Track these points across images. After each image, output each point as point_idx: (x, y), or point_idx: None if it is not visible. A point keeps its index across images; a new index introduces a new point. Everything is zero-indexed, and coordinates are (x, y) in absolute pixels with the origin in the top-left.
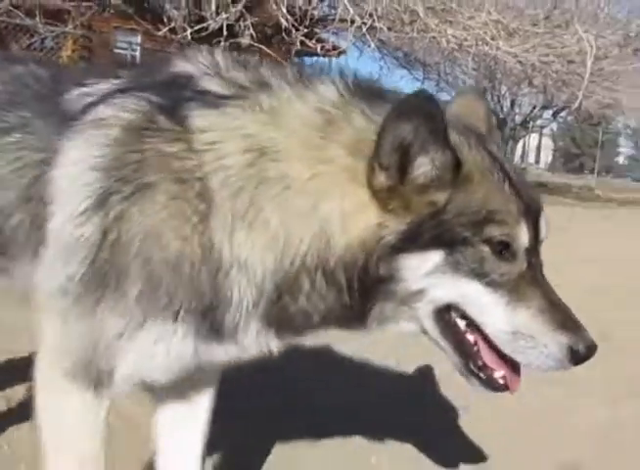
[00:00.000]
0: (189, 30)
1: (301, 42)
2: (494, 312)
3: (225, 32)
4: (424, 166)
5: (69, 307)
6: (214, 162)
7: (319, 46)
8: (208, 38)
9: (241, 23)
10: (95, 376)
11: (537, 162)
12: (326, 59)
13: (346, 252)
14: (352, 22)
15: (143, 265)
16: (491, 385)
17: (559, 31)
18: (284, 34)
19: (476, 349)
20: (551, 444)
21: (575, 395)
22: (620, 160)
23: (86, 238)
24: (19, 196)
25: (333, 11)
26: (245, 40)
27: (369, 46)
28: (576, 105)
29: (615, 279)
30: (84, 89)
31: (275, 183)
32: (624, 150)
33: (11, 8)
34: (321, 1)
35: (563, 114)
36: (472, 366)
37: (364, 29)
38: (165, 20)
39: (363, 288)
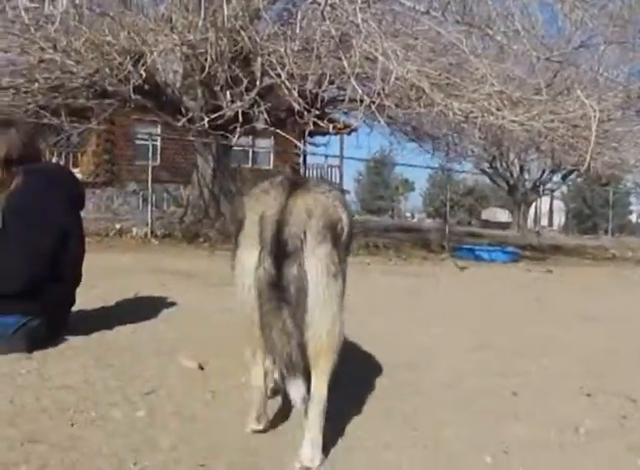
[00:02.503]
0: (206, 119)
1: (314, 123)
2: None
3: (240, 119)
4: None
5: None
6: None
7: (331, 126)
8: (225, 125)
9: (255, 109)
10: None
11: (551, 224)
12: (338, 136)
13: None
14: (361, 101)
15: None
16: None
17: (561, 98)
18: (297, 117)
19: None
20: None
21: None
22: (633, 218)
23: None
24: None
25: (342, 92)
26: (260, 125)
27: (379, 122)
28: (585, 167)
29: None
30: None
31: None
32: (636, 208)
33: (38, 109)
34: (330, 83)
35: (572, 176)
36: None
37: (373, 108)
38: (183, 110)
39: None
